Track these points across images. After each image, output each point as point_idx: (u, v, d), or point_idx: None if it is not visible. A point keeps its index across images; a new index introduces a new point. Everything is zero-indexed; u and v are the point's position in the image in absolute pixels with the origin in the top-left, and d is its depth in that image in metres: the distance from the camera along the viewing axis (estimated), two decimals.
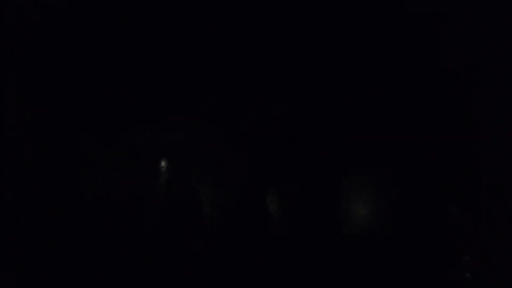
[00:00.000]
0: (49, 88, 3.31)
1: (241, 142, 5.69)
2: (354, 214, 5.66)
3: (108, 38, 3.09)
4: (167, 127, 4.94)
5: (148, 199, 4.87)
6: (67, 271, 3.66)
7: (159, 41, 3.41)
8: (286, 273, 4.27)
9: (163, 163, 5.30)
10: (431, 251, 4.39)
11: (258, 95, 4.15)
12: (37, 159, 3.48)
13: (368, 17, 3.38)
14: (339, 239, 5.38)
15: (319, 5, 3.45)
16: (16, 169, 3.37)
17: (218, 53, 3.59)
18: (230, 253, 4.62)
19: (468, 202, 4.19)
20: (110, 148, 4.46)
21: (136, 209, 4.59)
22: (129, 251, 4.11)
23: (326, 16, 3.52)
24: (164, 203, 4.97)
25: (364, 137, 5.43)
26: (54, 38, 2.97)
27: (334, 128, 5.53)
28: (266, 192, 5.76)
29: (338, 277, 4.22)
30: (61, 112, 3.48)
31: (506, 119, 3.31)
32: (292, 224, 5.74)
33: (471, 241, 4.18)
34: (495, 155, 3.76)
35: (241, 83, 3.92)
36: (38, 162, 3.49)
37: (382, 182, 5.40)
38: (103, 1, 2.81)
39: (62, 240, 3.70)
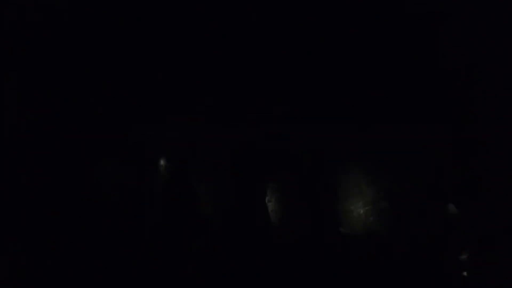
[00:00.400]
0: (49, 88, 3.31)
1: (241, 142, 5.70)
2: (353, 213, 5.67)
3: (108, 38, 3.09)
4: (167, 127, 4.94)
5: (148, 199, 4.87)
6: (68, 269, 3.66)
7: (159, 41, 3.40)
8: (286, 272, 4.28)
9: (163, 163, 5.30)
10: (429, 249, 4.41)
11: (258, 95, 4.14)
12: (37, 159, 3.48)
13: (368, 17, 3.37)
14: (338, 237, 5.40)
15: (319, 5, 3.45)
16: (16, 169, 3.38)
17: (218, 53, 3.58)
18: (230, 252, 4.63)
19: (466, 201, 4.20)
20: (110, 148, 4.46)
21: (136, 208, 4.60)
22: (129, 250, 4.12)
23: (326, 16, 3.51)
24: (164, 203, 4.98)
25: (363, 137, 5.45)
26: (54, 38, 2.97)
27: (333, 127, 5.54)
28: (265, 190, 5.78)
29: (337, 276, 4.23)
30: (61, 112, 3.48)
31: (506, 119, 3.30)
32: (291, 222, 5.75)
33: (469, 240, 4.19)
34: (494, 155, 3.76)
35: (241, 83, 3.92)
36: (38, 162, 3.49)
37: (381, 181, 5.41)
38: (103, 1, 2.81)
39: (62, 239, 3.71)
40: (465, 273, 4.27)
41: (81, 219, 3.91)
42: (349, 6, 3.40)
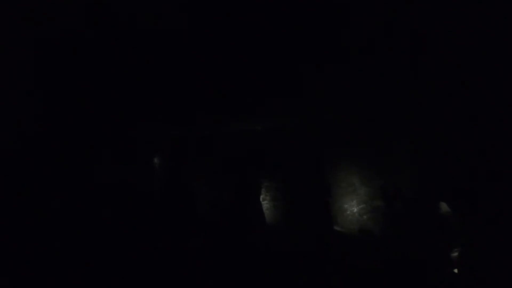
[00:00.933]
0: (47, 89, 3.25)
1: (237, 142, 5.71)
2: (347, 212, 5.74)
3: (108, 41, 3.04)
4: (163, 127, 4.91)
5: (143, 198, 4.84)
6: (67, 264, 3.60)
7: (158, 44, 3.35)
8: (279, 269, 4.28)
9: (159, 162, 5.28)
10: (421, 247, 4.48)
11: (255, 95, 4.12)
12: (34, 158, 3.41)
13: (367, 18, 3.38)
14: (332, 235, 5.45)
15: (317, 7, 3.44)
16: (19, 167, 3.31)
17: (214, 54, 3.54)
18: (225, 250, 4.63)
19: (458, 199, 4.26)
20: (107, 147, 4.40)
21: (131, 207, 4.56)
22: (128, 246, 4.09)
23: (323, 17, 3.51)
24: (159, 201, 4.96)
25: (357, 137, 5.51)
26: (52, 39, 2.90)
27: (328, 127, 5.59)
28: (260, 189, 5.81)
29: (331, 272, 4.25)
30: (59, 112, 3.44)
31: (506, 119, 3.32)
32: (285, 220, 5.78)
33: (459, 238, 4.27)
34: (488, 154, 3.81)
35: (236, 83, 3.89)
36: (34, 161, 3.42)
37: (375, 180, 5.50)
38: (104, 4, 2.76)
39: (61, 235, 3.65)
40: (455, 270, 4.36)
41: (82, 216, 3.86)
42: (347, 7, 3.41)
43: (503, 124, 3.46)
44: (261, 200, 5.77)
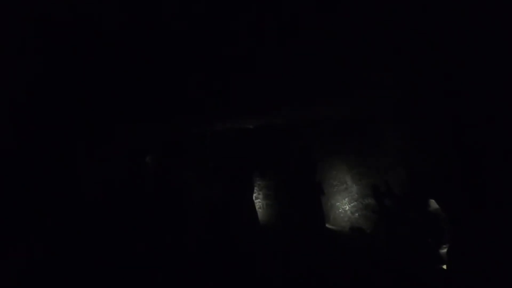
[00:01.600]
0: (42, 89, 3.21)
1: (229, 140, 5.71)
2: (339, 209, 5.81)
3: (106, 44, 3.00)
4: (156, 126, 4.88)
5: (136, 196, 4.81)
6: (65, 261, 3.58)
7: (155, 46, 3.32)
8: (271, 267, 4.32)
9: (151, 161, 5.25)
10: (411, 244, 4.56)
11: (248, 94, 4.12)
12: (28, 157, 3.36)
13: (366, 18, 3.39)
14: (324, 233, 5.52)
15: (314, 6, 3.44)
16: (17, 167, 3.26)
17: (205, 54, 3.53)
18: (217, 248, 4.64)
19: (446, 198, 4.32)
20: (99, 145, 4.36)
21: (126, 205, 4.54)
22: (119, 245, 4.08)
23: (323, 17, 3.51)
24: (153, 200, 4.94)
25: (349, 135, 5.57)
26: (50, 40, 2.86)
27: (320, 125, 5.63)
28: (253, 187, 5.83)
29: (324, 269, 4.30)
30: (53, 111, 3.39)
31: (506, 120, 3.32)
32: (278, 219, 5.82)
33: (448, 235, 4.35)
34: (475, 153, 3.85)
35: (228, 83, 3.88)
36: (29, 160, 3.37)
37: (366, 178, 5.56)
38: (100, 4, 2.72)
39: (58, 234, 3.61)
40: (444, 266, 4.44)
41: (78, 216, 3.83)
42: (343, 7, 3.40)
43: (493, 124, 3.49)
44: (253, 198, 5.79)
